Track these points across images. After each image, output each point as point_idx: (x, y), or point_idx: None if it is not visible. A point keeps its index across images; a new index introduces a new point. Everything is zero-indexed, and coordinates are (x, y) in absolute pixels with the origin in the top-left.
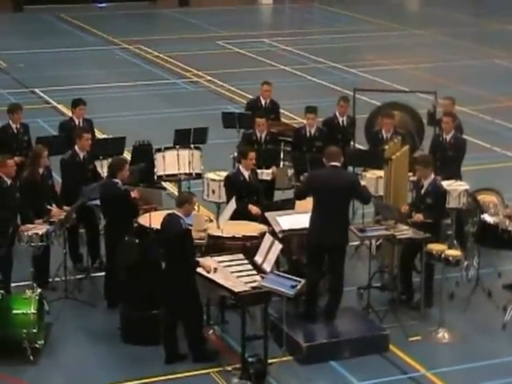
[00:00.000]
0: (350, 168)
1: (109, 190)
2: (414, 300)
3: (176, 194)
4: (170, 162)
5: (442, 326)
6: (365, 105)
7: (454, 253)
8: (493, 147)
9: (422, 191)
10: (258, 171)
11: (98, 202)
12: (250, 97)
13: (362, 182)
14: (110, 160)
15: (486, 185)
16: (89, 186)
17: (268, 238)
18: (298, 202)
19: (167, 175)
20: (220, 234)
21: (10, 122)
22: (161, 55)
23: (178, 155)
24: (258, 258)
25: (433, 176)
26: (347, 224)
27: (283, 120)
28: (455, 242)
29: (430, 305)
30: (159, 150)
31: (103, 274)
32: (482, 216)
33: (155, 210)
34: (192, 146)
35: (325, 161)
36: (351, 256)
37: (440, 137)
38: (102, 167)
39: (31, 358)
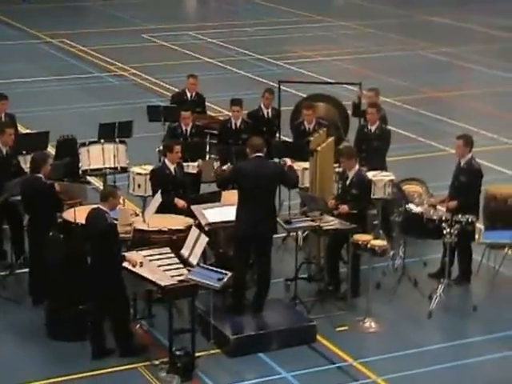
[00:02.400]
0: (276, 160)
1: (32, 185)
2: (340, 290)
3: (101, 188)
4: (95, 157)
5: (368, 315)
6: (290, 97)
7: (380, 243)
8: (417, 137)
9: (347, 182)
10: (184, 164)
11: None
12: (176, 90)
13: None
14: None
15: (410, 175)
16: (12, 181)
17: (194, 231)
18: (224, 195)
19: (92, 169)
20: (146, 228)
21: None
22: (85, 49)
23: (102, 149)
24: (185, 252)
25: (357, 167)
26: (275, 214)
27: (209, 113)
28: (381, 232)
29: (356, 295)
30: (84, 145)
31: (28, 270)
32: (407, 206)
33: (80, 204)
34: (117, 139)
35: (248, 152)
36: (278, 248)
37: (365, 128)
38: (26, 162)
39: None
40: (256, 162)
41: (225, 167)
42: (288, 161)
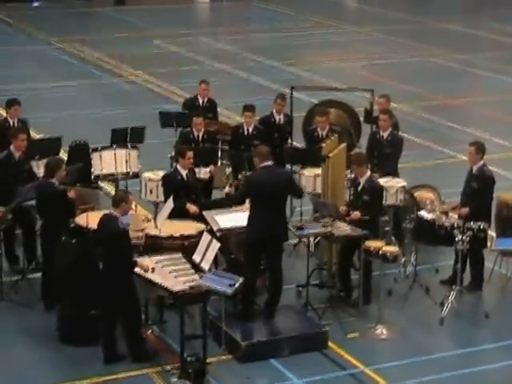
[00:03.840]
0: (288, 166)
1: (45, 190)
2: (352, 297)
3: (113, 193)
4: (107, 162)
5: (380, 322)
6: (302, 103)
7: (392, 249)
8: (429, 144)
9: (359, 188)
10: (196, 170)
11: (34, 202)
12: (188, 96)
13: (301, 180)
14: (46, 160)
15: (422, 181)
16: (25, 186)
17: (206, 237)
18: None
19: (104, 175)
20: (158, 234)
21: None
22: (97, 54)
23: (115, 154)
24: (196, 257)
25: (369, 173)
26: (286, 221)
27: (221, 119)
28: (393, 238)
29: (368, 301)
30: (96, 150)
31: (40, 275)
32: (418, 212)
33: (92, 209)
34: (129, 145)
35: (257, 162)
36: (289, 254)
37: (377, 134)
38: (38, 167)
39: None
40: (268, 171)
41: (239, 180)
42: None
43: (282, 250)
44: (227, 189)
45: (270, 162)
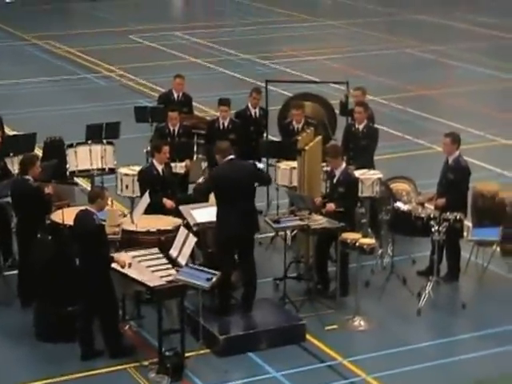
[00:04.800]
0: (264, 159)
1: (20, 187)
2: (329, 289)
3: (89, 189)
4: (83, 158)
5: (357, 314)
6: (277, 96)
7: (369, 241)
8: (405, 135)
9: (334, 181)
10: (172, 165)
11: (9, 199)
12: (163, 90)
13: (277, 173)
14: (20, 157)
15: (398, 173)
16: (0, 183)
17: (183, 232)
18: (211, 196)
19: (80, 171)
20: (134, 229)
21: None
22: (72, 50)
23: (90, 150)
24: (173, 252)
25: (344, 165)
26: (256, 214)
27: (196, 113)
28: (369, 230)
29: (345, 293)
30: (71, 146)
31: (16, 272)
32: (395, 204)
33: (68, 206)
34: (104, 141)
35: (219, 158)
36: (266, 247)
37: (352, 127)
38: (13, 164)
39: None
40: (231, 165)
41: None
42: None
43: (253, 243)
44: (201, 179)
45: (231, 156)
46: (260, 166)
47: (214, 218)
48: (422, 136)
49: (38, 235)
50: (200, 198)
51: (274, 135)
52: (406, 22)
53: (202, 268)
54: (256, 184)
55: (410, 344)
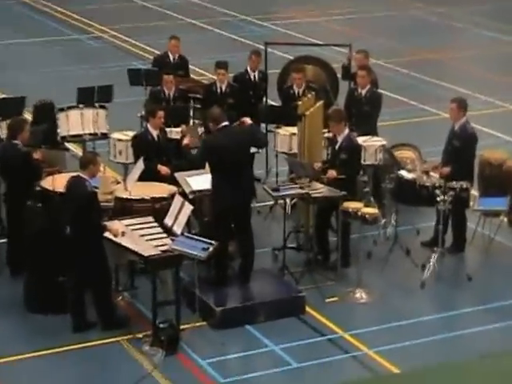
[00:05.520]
0: (263, 125)
1: (9, 153)
2: (330, 260)
3: (81, 155)
4: (74, 122)
5: (359, 286)
6: (277, 59)
7: (371, 210)
8: (410, 101)
9: (336, 147)
10: (167, 130)
11: None
12: (157, 52)
13: (276, 140)
14: (9, 121)
15: (403, 140)
16: None
17: (178, 200)
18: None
19: (71, 136)
20: (128, 196)
21: None
22: (62, 10)
23: (81, 115)
24: (168, 221)
25: (347, 131)
26: (253, 181)
27: (192, 76)
28: (372, 199)
29: (347, 265)
30: (62, 110)
31: (5, 240)
32: (399, 172)
33: (59, 172)
34: (97, 104)
35: (212, 125)
36: (265, 216)
37: (355, 91)
38: (1, 128)
39: None
40: (225, 133)
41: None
42: (248, 120)
43: (250, 211)
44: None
45: (225, 122)
46: None
47: (210, 186)
48: (428, 102)
49: (28, 202)
50: (195, 166)
51: (273, 100)
52: None
53: (198, 237)
54: (252, 149)
55: (412, 317)
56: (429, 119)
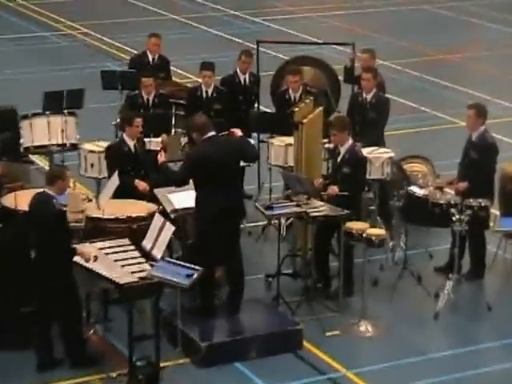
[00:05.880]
0: (255, 134)
1: None
2: (331, 288)
3: (47, 169)
4: (39, 131)
5: (364, 317)
6: (271, 60)
7: (377, 231)
8: (421, 107)
9: (338, 159)
10: (146, 140)
11: None
12: (135, 52)
13: (270, 151)
14: None
15: (413, 152)
16: None
17: (158, 219)
18: None
19: (36, 147)
20: (101, 216)
21: None
22: (25, 3)
23: (48, 123)
24: (147, 243)
25: (351, 141)
26: (242, 198)
27: (174, 79)
28: (378, 218)
29: (350, 293)
30: (26, 117)
31: None
32: (409, 188)
33: (22, 188)
34: (65, 111)
35: (196, 136)
36: (257, 238)
37: (359, 96)
38: None
39: None
40: (211, 144)
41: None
42: (238, 132)
43: (239, 233)
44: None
45: (212, 132)
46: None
47: (194, 204)
48: (442, 108)
49: None
50: (174, 184)
51: (266, 106)
52: None
53: (180, 262)
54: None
55: (425, 353)
56: (443, 128)
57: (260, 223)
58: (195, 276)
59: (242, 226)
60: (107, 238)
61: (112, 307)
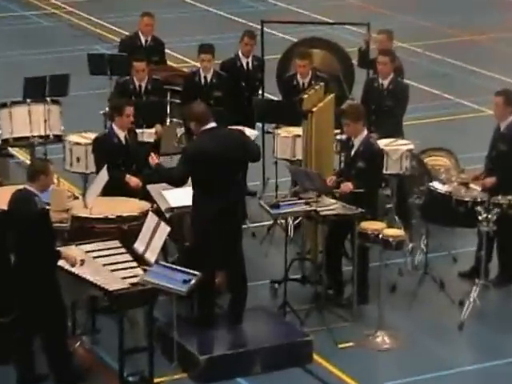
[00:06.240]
0: (259, 125)
1: None
2: (344, 295)
3: (28, 163)
4: (20, 122)
5: (380, 327)
6: (277, 42)
7: (395, 232)
8: (443, 94)
9: (352, 153)
10: (138, 131)
11: None
12: (126, 33)
13: (276, 143)
14: None
15: (435, 144)
16: None
17: (152, 219)
18: None
19: (15, 139)
20: (88, 215)
21: None
22: None
23: (29, 112)
24: (139, 246)
25: (365, 133)
26: (244, 196)
27: (170, 63)
28: (396, 218)
29: (365, 301)
30: (4, 106)
31: None
32: (430, 184)
33: (0, 185)
34: (48, 99)
35: (195, 126)
36: (262, 240)
37: (375, 82)
38: None
39: None
40: (212, 136)
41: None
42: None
43: (241, 234)
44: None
45: (212, 124)
46: (253, 133)
47: (191, 202)
48: (467, 95)
49: None
50: (171, 184)
51: (271, 93)
52: None
53: (176, 267)
54: None
55: (449, 367)
56: (468, 117)
57: (265, 223)
58: (193, 282)
59: (244, 226)
60: (95, 240)
61: (100, 317)
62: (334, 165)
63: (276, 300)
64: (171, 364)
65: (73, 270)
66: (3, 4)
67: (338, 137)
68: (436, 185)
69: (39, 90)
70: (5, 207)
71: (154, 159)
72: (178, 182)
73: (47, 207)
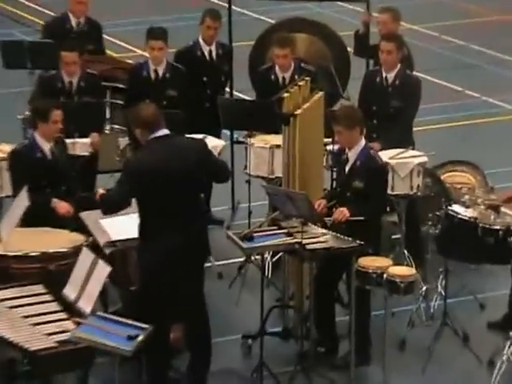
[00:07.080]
0: (226, 132)
1: None
2: (338, 354)
3: None
4: None
5: None
6: (249, 24)
7: (404, 271)
8: (467, 91)
9: (347, 168)
10: (68, 142)
11: None
12: (52, 14)
13: (248, 155)
14: None
15: (456, 155)
16: None
17: (87, 257)
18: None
19: None
20: (3, 252)
21: None
22: None
23: None
24: (71, 292)
25: (364, 142)
26: (205, 225)
27: (109, 53)
28: (406, 252)
29: (365, 361)
30: None
31: None
32: (449, 208)
33: None
34: None
35: (140, 133)
36: (231, 282)
37: (377, 75)
38: None
39: None
40: (164, 147)
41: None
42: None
43: (203, 275)
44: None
45: (164, 131)
46: (219, 143)
47: (138, 233)
48: (497, 92)
49: None
50: (111, 208)
51: (242, 90)
52: None
53: (119, 319)
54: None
55: None
56: (499, 120)
57: (235, 260)
58: (140, 338)
59: (208, 264)
60: (12, 285)
61: None
62: (325, 184)
63: (250, 360)
64: None
65: None
66: None
67: (329, 147)
68: (457, 209)
69: None
70: None
71: (98, 195)
72: (115, 207)
73: None
